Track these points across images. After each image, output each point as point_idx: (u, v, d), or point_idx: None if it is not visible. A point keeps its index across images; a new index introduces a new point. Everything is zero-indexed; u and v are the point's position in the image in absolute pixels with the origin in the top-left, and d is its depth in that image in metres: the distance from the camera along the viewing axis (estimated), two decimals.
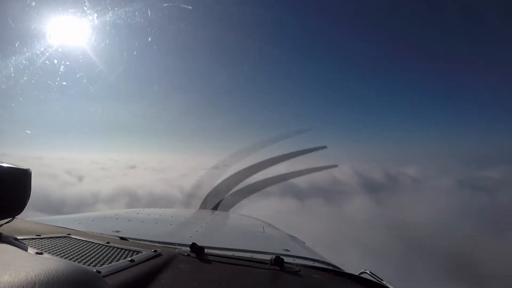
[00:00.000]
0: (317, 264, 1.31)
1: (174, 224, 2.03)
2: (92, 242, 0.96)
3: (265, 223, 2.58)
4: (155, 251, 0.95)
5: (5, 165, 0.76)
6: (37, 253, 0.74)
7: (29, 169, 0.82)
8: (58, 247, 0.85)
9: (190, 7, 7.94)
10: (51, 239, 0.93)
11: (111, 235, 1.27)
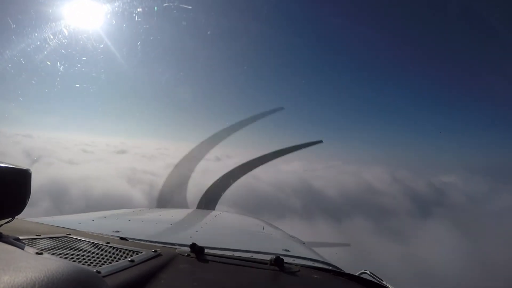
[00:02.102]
0: (317, 264, 1.31)
1: (174, 224, 2.03)
2: (92, 242, 0.96)
3: (265, 223, 2.57)
4: (155, 251, 0.95)
5: (5, 165, 0.76)
6: (37, 253, 0.74)
7: (29, 169, 0.82)
8: (58, 247, 0.85)
9: (190, 7, 7.96)
10: (51, 239, 0.93)
11: (111, 235, 1.27)
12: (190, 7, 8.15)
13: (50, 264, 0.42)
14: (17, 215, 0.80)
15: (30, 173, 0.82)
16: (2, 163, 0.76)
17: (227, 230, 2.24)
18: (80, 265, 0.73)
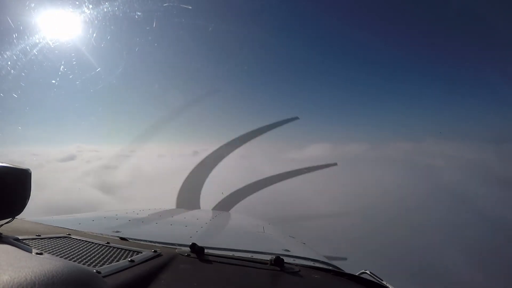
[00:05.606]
0: (317, 264, 1.31)
1: (174, 224, 2.04)
2: (92, 242, 0.96)
3: (265, 223, 2.57)
4: (155, 251, 0.95)
5: (5, 165, 0.76)
6: (37, 253, 0.74)
7: (29, 169, 0.82)
8: (58, 247, 0.85)
9: (190, 7, 7.99)
10: (51, 239, 0.93)
11: (111, 235, 1.27)
12: (190, 7, 8.14)
13: (50, 264, 0.42)
14: (17, 215, 0.80)
15: (30, 173, 0.82)
16: (2, 163, 0.76)
17: (227, 230, 2.24)
18: (80, 265, 0.73)
